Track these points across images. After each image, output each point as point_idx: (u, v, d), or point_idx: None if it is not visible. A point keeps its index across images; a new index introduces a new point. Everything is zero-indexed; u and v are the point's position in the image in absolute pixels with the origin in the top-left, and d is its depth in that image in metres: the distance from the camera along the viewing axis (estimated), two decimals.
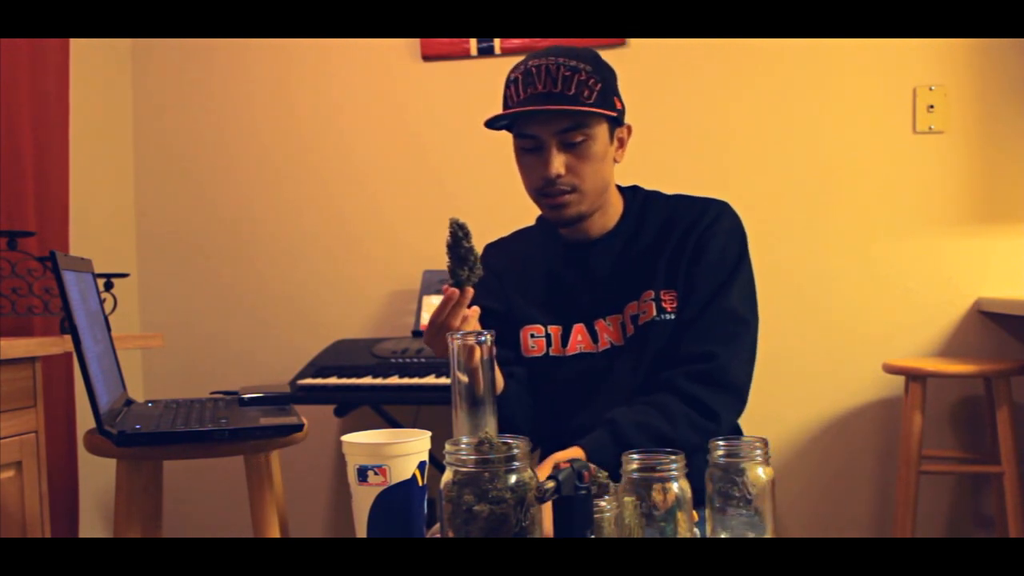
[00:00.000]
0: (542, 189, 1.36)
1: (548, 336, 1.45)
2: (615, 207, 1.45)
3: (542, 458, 1.54)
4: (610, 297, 1.43)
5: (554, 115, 1.32)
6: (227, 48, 2.86)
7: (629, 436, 1.27)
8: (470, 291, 1.19)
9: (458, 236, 1.17)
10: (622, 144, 1.42)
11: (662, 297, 1.39)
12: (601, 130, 1.35)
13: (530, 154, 1.36)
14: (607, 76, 1.36)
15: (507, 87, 1.37)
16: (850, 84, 2.58)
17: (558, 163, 1.32)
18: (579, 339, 1.43)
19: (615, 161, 1.41)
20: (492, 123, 1.36)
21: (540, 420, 1.46)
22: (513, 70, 1.36)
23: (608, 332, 1.42)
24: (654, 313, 1.38)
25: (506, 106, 1.37)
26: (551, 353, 1.44)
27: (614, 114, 1.36)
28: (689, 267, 1.38)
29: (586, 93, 1.31)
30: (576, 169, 1.34)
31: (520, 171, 1.40)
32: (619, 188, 1.47)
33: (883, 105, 2.57)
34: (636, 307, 1.41)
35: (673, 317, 1.37)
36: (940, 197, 2.55)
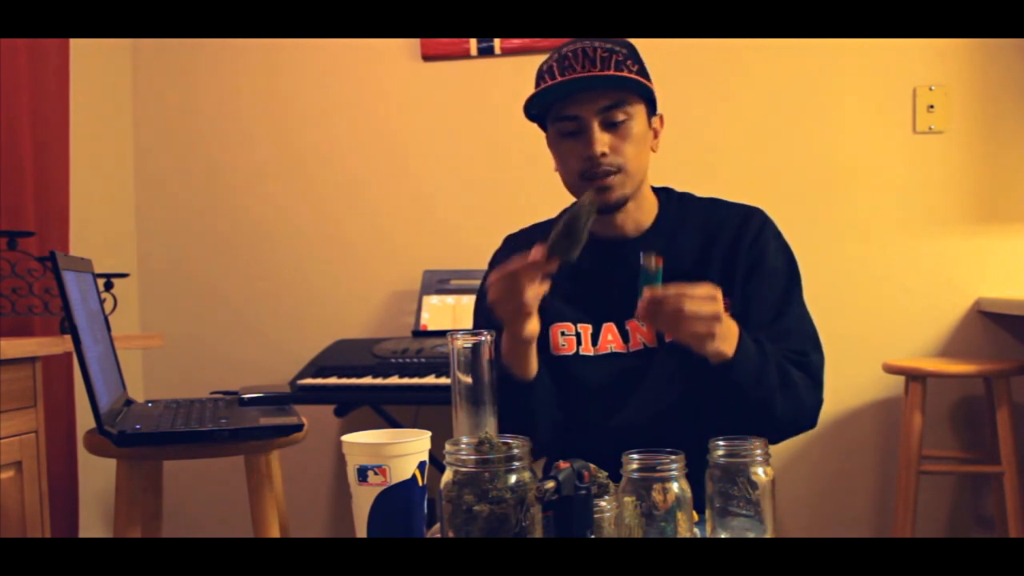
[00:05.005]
0: (585, 171, 1.31)
1: (578, 334, 1.39)
2: (650, 204, 1.41)
3: (547, 465, 1.50)
4: None
5: (597, 91, 1.29)
6: (227, 48, 2.86)
7: (770, 359, 1.24)
8: (554, 264, 1.15)
9: (580, 214, 1.13)
10: (656, 134, 1.39)
11: None
12: (640, 111, 1.33)
13: (570, 138, 1.32)
14: (642, 61, 1.35)
15: (539, 77, 1.34)
16: (850, 84, 2.58)
17: (602, 141, 1.29)
18: (609, 339, 1.38)
19: (651, 150, 1.38)
20: (528, 110, 1.35)
21: (563, 424, 1.38)
22: (545, 61, 1.34)
23: (641, 332, 1.36)
24: None
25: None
26: (581, 352, 1.38)
27: (652, 88, 1.34)
28: (747, 278, 1.34)
29: (625, 72, 1.30)
30: (619, 149, 1.30)
31: (558, 159, 1.36)
32: (652, 188, 1.43)
33: (883, 105, 2.57)
34: None
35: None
36: (940, 197, 2.55)
